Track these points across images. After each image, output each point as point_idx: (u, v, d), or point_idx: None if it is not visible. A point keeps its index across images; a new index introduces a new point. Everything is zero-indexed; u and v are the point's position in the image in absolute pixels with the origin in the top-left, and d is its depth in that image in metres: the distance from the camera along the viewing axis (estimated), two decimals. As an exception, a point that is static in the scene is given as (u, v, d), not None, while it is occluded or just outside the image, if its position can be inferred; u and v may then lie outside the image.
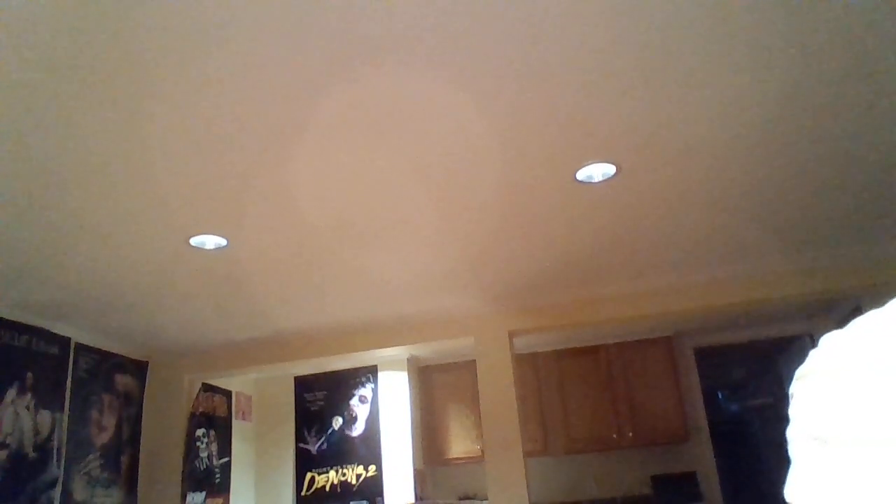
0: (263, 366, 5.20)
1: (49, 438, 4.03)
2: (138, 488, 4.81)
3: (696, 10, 1.91)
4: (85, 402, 4.39)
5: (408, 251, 3.58)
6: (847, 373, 0.48)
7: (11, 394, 3.79)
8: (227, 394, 5.75)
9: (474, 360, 4.94)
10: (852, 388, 0.47)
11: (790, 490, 0.50)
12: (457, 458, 5.91)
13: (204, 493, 5.17)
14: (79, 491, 4.24)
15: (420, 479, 5.67)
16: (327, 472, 5.77)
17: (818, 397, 0.49)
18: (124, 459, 4.73)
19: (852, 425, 0.46)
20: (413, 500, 5.47)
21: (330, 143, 2.46)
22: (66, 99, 2.07)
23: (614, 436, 5.78)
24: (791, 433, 0.51)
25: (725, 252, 4.01)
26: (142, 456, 4.90)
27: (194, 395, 5.21)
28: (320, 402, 5.97)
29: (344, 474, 5.71)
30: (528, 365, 6.06)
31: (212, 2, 1.73)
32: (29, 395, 3.91)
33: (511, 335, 4.83)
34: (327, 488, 5.72)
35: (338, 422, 5.87)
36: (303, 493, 5.78)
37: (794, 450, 0.51)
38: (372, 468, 5.65)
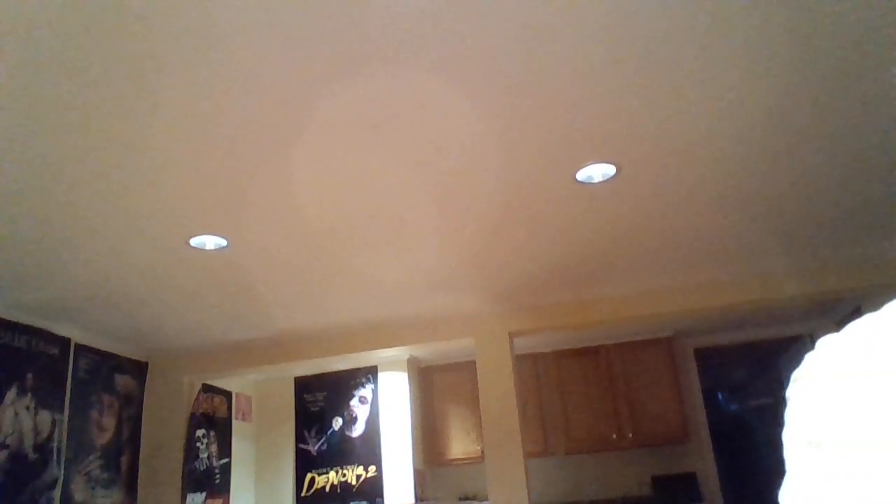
0: (263, 366, 5.20)
1: (49, 439, 4.03)
2: (138, 489, 4.81)
3: (695, 10, 1.91)
4: (85, 402, 4.39)
5: (408, 251, 3.58)
6: (843, 376, 0.48)
7: (11, 394, 3.79)
8: (227, 394, 5.75)
9: (474, 361, 4.94)
10: (848, 391, 0.47)
11: (785, 493, 0.50)
12: (457, 459, 5.91)
13: (204, 494, 5.17)
14: (79, 491, 4.24)
15: (420, 479, 5.67)
16: (327, 472, 5.77)
17: (813, 400, 0.49)
18: (124, 460, 4.73)
19: (847, 428, 0.46)
20: (413, 501, 5.46)
21: (330, 143, 2.46)
22: (67, 100, 2.07)
23: (614, 436, 5.78)
24: (786, 437, 0.51)
25: (725, 252, 4.01)
26: (142, 456, 4.90)
27: (194, 396, 5.21)
28: (320, 403, 5.97)
29: (344, 475, 5.71)
30: (529, 365, 6.06)
31: (212, 3, 1.74)
32: (29, 396, 3.91)
33: (511, 336, 4.83)
34: (327, 489, 5.72)
35: (338, 422, 5.87)
36: (303, 494, 5.78)
37: (788, 453, 0.51)
38: (372, 469, 5.65)
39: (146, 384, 5.06)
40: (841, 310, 5.57)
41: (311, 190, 2.80)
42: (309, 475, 5.81)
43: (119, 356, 4.79)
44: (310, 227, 3.17)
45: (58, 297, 3.76)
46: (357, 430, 5.79)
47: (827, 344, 0.52)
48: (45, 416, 4.01)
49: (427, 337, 4.98)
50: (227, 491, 5.52)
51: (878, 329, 0.48)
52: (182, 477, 4.90)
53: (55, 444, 4.07)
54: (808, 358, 0.53)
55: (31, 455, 3.88)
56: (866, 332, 0.49)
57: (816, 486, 0.47)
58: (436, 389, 6.11)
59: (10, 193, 2.60)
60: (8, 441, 3.72)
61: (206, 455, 5.28)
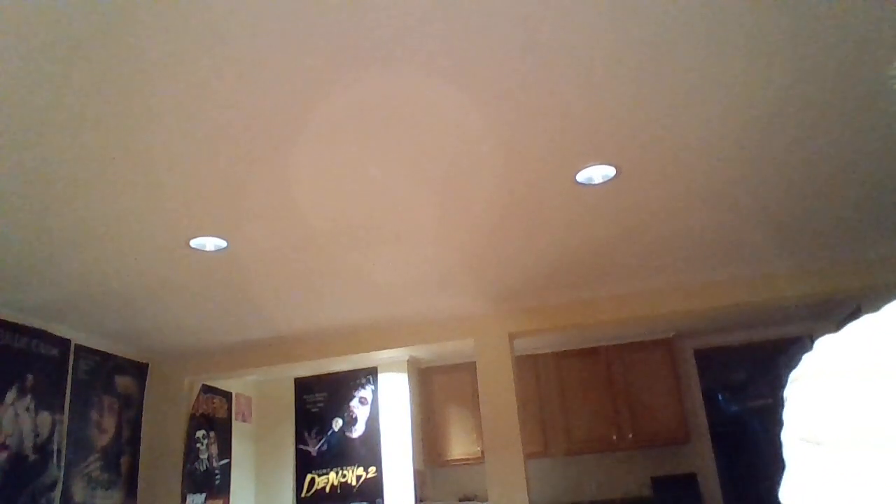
0: (263, 367, 5.20)
1: (49, 440, 4.03)
2: (138, 490, 4.81)
3: (695, 9, 1.91)
4: (85, 403, 4.39)
5: (408, 252, 3.58)
6: (840, 376, 0.48)
7: (11, 395, 3.79)
8: (228, 395, 5.75)
9: (474, 362, 4.94)
10: (845, 390, 0.47)
11: (784, 491, 0.50)
12: (457, 460, 5.91)
13: (204, 495, 5.17)
14: (79, 492, 4.24)
15: (420, 480, 5.66)
16: (327, 473, 5.77)
17: (812, 400, 0.50)
18: (124, 461, 4.73)
19: (845, 427, 0.46)
20: (413, 502, 5.46)
21: (330, 144, 2.46)
22: (67, 100, 2.07)
23: (614, 437, 5.78)
24: (785, 436, 0.52)
25: (726, 253, 4.01)
26: (142, 457, 4.89)
27: (194, 397, 5.21)
28: (320, 404, 5.97)
29: (344, 476, 5.71)
30: (529, 366, 6.05)
31: (212, 3, 1.74)
32: (29, 397, 3.90)
33: (511, 337, 4.83)
34: (327, 490, 5.72)
35: (338, 423, 5.86)
36: (303, 495, 5.78)
37: (788, 452, 0.51)
38: (372, 470, 5.65)
39: (146, 385, 5.06)
40: (841, 310, 5.57)
41: (311, 191, 2.80)
42: (309, 476, 5.81)
43: (119, 357, 4.79)
44: (310, 228, 3.17)
45: (58, 298, 3.76)
46: (357, 431, 5.79)
47: (825, 344, 0.52)
48: (45, 417, 4.01)
49: (427, 338, 4.98)
50: (228, 492, 5.52)
51: (877, 330, 0.49)
52: (182, 478, 4.90)
53: (55, 445, 4.07)
54: (807, 358, 0.53)
55: (31, 456, 3.88)
56: (864, 332, 0.49)
57: (814, 483, 0.47)
58: (436, 390, 6.11)
59: (9, 194, 2.60)
60: (8, 442, 3.72)
61: (206, 456, 5.28)
